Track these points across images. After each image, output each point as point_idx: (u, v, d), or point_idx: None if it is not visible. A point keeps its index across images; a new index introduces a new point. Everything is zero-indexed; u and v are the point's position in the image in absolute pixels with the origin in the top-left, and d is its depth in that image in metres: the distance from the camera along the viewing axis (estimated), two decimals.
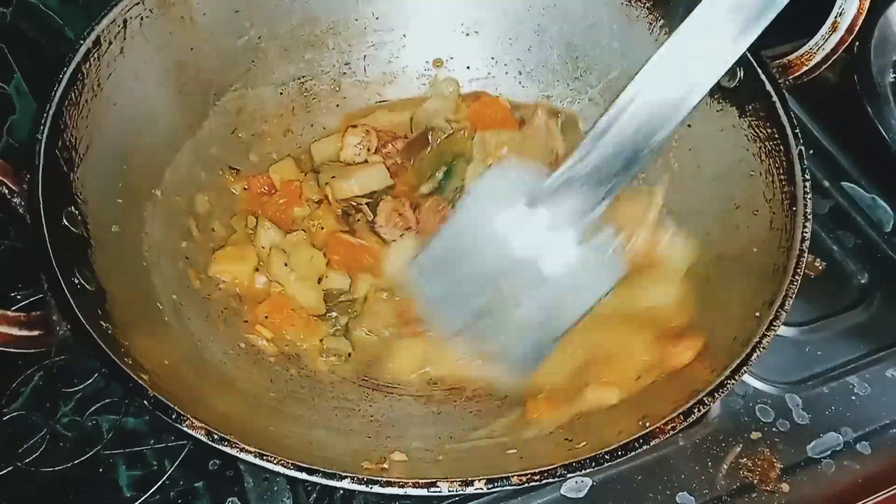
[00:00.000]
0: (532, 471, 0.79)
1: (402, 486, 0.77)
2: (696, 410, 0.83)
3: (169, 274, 1.09)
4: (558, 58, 1.33)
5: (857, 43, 1.37)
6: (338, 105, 1.35)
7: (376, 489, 0.77)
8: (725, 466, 1.11)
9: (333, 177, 1.23)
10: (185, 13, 1.13)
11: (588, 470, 0.79)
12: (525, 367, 1.08)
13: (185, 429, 0.77)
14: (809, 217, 0.97)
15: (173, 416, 0.78)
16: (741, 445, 1.13)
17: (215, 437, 0.77)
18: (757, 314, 0.92)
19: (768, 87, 1.06)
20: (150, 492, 1.07)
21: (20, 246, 1.28)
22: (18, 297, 1.21)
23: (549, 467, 0.79)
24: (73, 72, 0.97)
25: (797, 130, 1.02)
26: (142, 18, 1.07)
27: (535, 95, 1.36)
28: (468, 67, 1.37)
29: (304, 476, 0.77)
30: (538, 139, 1.26)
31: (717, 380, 0.85)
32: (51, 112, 0.94)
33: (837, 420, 1.16)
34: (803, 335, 1.25)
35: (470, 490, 0.77)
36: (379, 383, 1.12)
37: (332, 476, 0.77)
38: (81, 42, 1.00)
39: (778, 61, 1.10)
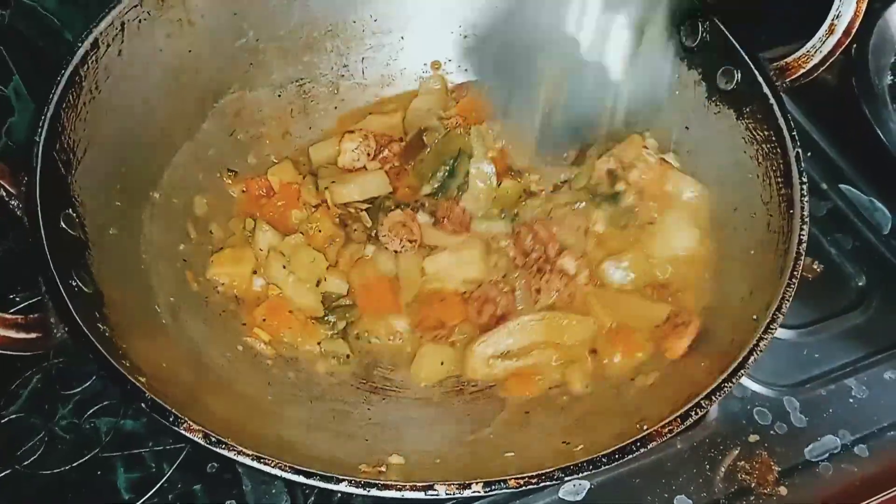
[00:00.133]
0: (529, 474, 0.79)
1: (400, 489, 0.77)
2: (693, 413, 0.83)
3: (167, 276, 1.09)
4: None
5: (854, 45, 1.37)
6: (336, 107, 1.35)
7: (373, 492, 0.77)
8: (723, 469, 1.11)
9: (333, 182, 1.23)
10: (183, 15, 1.13)
11: (585, 473, 0.79)
12: (553, 150, 1.22)
13: (183, 431, 0.77)
14: (807, 220, 0.97)
15: (170, 419, 0.78)
16: (739, 448, 1.13)
17: (213, 439, 0.77)
18: (754, 317, 0.92)
19: (765, 89, 1.06)
20: (149, 494, 1.07)
21: (19, 248, 1.28)
22: (17, 299, 1.22)
23: (547, 470, 0.79)
24: (70, 74, 0.98)
25: (794, 133, 1.03)
26: (140, 21, 1.07)
27: None
28: (466, 70, 1.38)
29: (301, 479, 0.77)
30: None
31: (715, 382, 0.86)
32: (48, 115, 0.94)
33: (835, 423, 1.16)
34: (801, 338, 1.25)
35: (467, 493, 0.77)
36: (377, 386, 1.12)
37: (329, 479, 0.77)
38: (79, 44, 1.00)
39: (775, 64, 1.10)
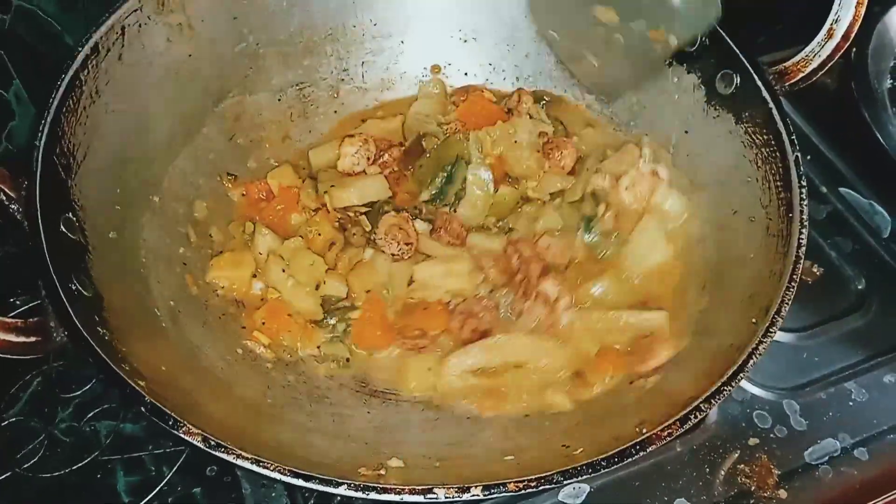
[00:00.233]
0: (529, 477, 0.79)
1: (399, 493, 0.77)
2: (692, 417, 0.83)
3: (167, 280, 1.09)
4: (556, 65, 1.34)
5: (854, 49, 1.37)
6: (336, 111, 1.35)
7: (373, 495, 0.77)
8: (723, 473, 1.11)
9: (333, 186, 1.23)
10: (184, 20, 1.13)
11: (584, 476, 0.79)
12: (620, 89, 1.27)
13: (182, 435, 0.77)
14: (806, 223, 0.97)
15: (170, 423, 0.78)
16: (739, 452, 1.13)
17: (212, 443, 0.77)
18: (754, 320, 0.93)
19: (765, 93, 1.07)
20: (149, 497, 1.07)
21: (19, 251, 1.28)
22: (17, 302, 1.22)
23: (546, 474, 0.79)
24: (71, 79, 0.98)
25: (793, 137, 1.03)
26: (140, 25, 1.07)
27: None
28: (466, 74, 1.38)
29: (300, 482, 0.77)
30: (528, 127, 1.27)
31: (714, 386, 0.86)
32: (49, 119, 0.94)
33: (835, 426, 1.16)
34: (801, 341, 1.25)
35: (467, 496, 0.77)
36: (377, 389, 1.12)
37: (328, 482, 0.77)
38: (80, 49, 1.00)
39: (774, 68, 1.10)
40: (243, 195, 1.24)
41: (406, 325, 1.14)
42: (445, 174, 1.23)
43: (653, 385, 1.02)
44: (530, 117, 1.30)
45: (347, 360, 1.14)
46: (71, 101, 0.98)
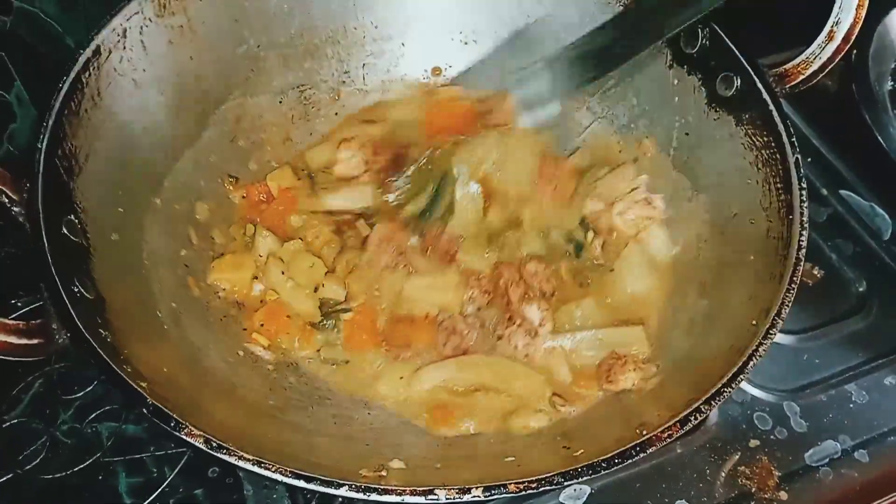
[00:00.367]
0: (529, 478, 0.79)
1: (400, 494, 0.77)
2: (693, 418, 0.84)
3: (168, 282, 1.09)
4: None
5: (854, 51, 1.37)
6: (336, 113, 1.35)
7: (374, 497, 0.77)
8: (724, 474, 1.11)
9: (324, 188, 1.24)
10: (185, 22, 1.13)
11: (585, 478, 0.80)
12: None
13: (184, 436, 0.77)
14: (806, 226, 0.97)
15: (172, 424, 0.78)
16: (739, 453, 1.13)
17: (214, 444, 0.77)
18: (754, 322, 0.93)
19: (765, 95, 1.06)
20: (150, 498, 1.07)
21: (20, 252, 1.28)
22: (19, 304, 1.21)
23: (547, 475, 0.79)
24: (72, 81, 0.98)
25: (794, 139, 1.03)
26: (141, 28, 1.08)
27: None
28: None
29: (302, 484, 0.77)
30: (524, 142, 1.26)
31: (714, 387, 0.86)
32: (50, 121, 0.94)
33: (835, 428, 1.16)
34: (801, 343, 1.25)
35: (467, 498, 0.77)
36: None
37: (330, 484, 0.77)
38: (81, 51, 1.00)
39: (775, 70, 1.10)
40: (244, 197, 1.24)
41: (393, 334, 1.13)
42: (432, 189, 1.21)
43: (653, 386, 1.02)
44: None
45: (347, 361, 1.13)
46: (73, 104, 0.98)
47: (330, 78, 1.34)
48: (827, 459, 1.13)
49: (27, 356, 0.83)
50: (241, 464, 0.77)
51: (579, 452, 0.90)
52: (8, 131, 1.27)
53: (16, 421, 1.13)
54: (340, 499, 1.01)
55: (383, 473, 0.89)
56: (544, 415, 1.04)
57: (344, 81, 1.35)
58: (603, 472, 0.80)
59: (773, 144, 1.05)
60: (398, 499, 0.77)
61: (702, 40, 1.14)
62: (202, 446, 0.77)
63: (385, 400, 1.09)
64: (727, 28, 1.11)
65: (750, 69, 1.09)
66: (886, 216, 1.39)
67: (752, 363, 0.87)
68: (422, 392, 1.08)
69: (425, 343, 1.12)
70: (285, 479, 0.77)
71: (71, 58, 1.00)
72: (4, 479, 1.08)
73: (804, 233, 0.96)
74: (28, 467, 1.09)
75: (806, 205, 0.98)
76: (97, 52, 1.02)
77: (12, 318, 0.84)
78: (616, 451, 0.81)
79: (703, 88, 1.16)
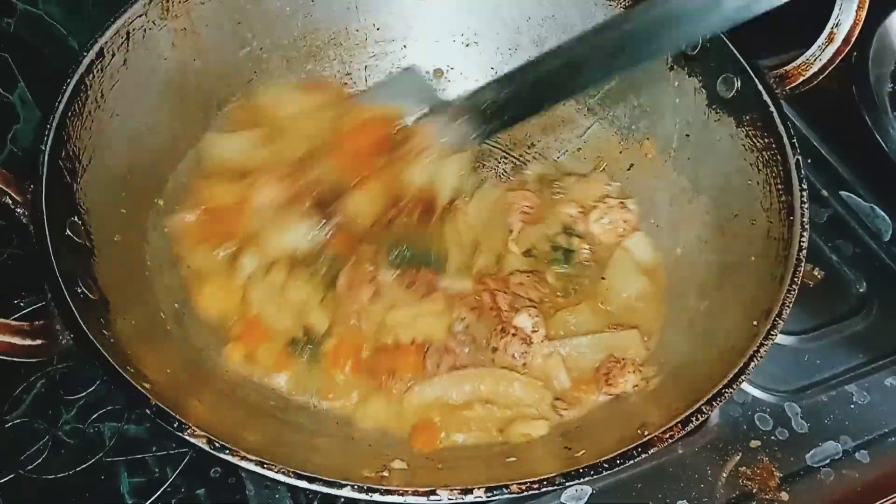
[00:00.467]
0: (531, 479, 0.79)
1: (402, 495, 0.78)
2: (694, 419, 0.84)
3: (171, 283, 1.09)
4: None
5: (854, 53, 1.37)
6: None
7: (376, 497, 0.77)
8: (725, 475, 1.11)
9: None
10: (188, 25, 1.14)
11: (587, 478, 0.80)
12: None
13: (187, 437, 0.78)
14: (807, 227, 0.97)
15: (175, 425, 0.78)
16: (740, 454, 1.13)
17: (217, 445, 0.77)
18: (755, 323, 0.93)
19: (765, 97, 1.07)
20: (152, 499, 1.07)
21: (23, 253, 1.28)
22: (21, 304, 1.21)
23: (549, 476, 0.80)
24: (76, 83, 0.98)
25: (794, 140, 1.03)
26: (144, 30, 1.08)
27: None
28: (468, 78, 1.38)
29: (304, 484, 0.77)
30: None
31: (716, 388, 0.86)
32: (54, 123, 0.94)
33: (836, 429, 1.16)
34: (802, 344, 1.25)
35: (469, 498, 0.78)
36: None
37: (332, 484, 0.77)
38: (85, 54, 1.00)
39: (775, 72, 1.10)
40: (189, 223, 1.12)
41: (377, 365, 1.07)
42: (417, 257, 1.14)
43: (655, 387, 1.02)
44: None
45: (329, 391, 1.08)
46: (76, 106, 0.98)
47: (332, 79, 1.34)
48: (828, 460, 1.13)
49: (31, 357, 0.83)
50: (243, 464, 0.77)
51: (581, 453, 0.91)
52: (11, 132, 1.28)
53: (18, 421, 1.13)
54: (342, 499, 1.01)
55: (385, 474, 0.90)
56: (545, 422, 1.02)
57: (346, 83, 1.35)
58: (604, 473, 0.80)
59: (773, 146, 1.05)
60: (400, 499, 0.77)
61: (702, 42, 1.14)
62: (205, 447, 0.77)
63: (369, 423, 1.05)
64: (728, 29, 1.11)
65: (750, 70, 1.09)
66: (886, 217, 1.40)
67: (752, 364, 0.87)
68: (412, 410, 1.04)
69: (412, 370, 1.07)
70: (288, 480, 0.77)
71: (74, 60, 1.00)
72: (6, 479, 1.07)
73: (805, 234, 0.97)
74: (30, 467, 1.09)
75: (807, 206, 0.99)
76: (100, 54, 1.02)
77: (15, 319, 0.84)
78: (618, 452, 0.81)
79: (703, 90, 1.16)
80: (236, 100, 1.25)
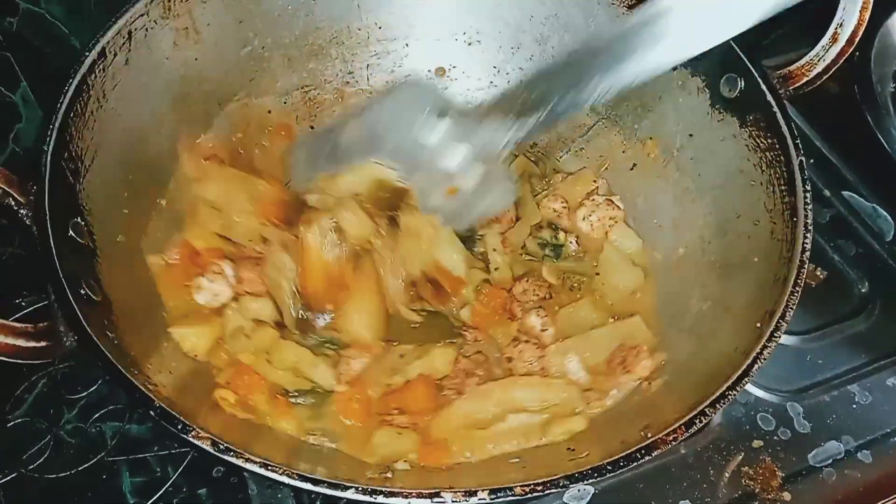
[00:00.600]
0: (535, 481, 0.79)
1: (406, 496, 0.77)
2: (698, 421, 0.84)
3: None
4: None
5: (857, 53, 1.37)
6: (340, 114, 1.35)
7: (380, 499, 0.77)
8: (727, 475, 1.11)
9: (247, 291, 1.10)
10: (189, 24, 1.13)
11: (590, 480, 0.80)
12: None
13: (191, 439, 0.77)
14: (810, 227, 0.97)
15: (179, 427, 0.78)
16: (743, 454, 1.13)
17: (221, 447, 0.77)
18: (758, 324, 0.93)
19: (769, 97, 1.06)
20: (154, 498, 1.07)
21: (25, 253, 1.28)
22: (23, 304, 1.21)
23: (552, 478, 0.79)
24: (78, 83, 0.98)
25: (798, 141, 1.03)
26: (146, 30, 1.07)
27: None
28: (470, 77, 1.38)
29: (308, 486, 0.77)
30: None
31: (720, 390, 0.86)
32: (57, 124, 0.94)
33: (838, 428, 1.16)
34: (804, 344, 1.25)
35: (473, 500, 0.77)
36: None
37: (336, 486, 0.77)
38: (87, 53, 1.00)
39: (779, 72, 1.10)
40: (169, 264, 1.10)
41: (387, 405, 1.05)
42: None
43: (658, 389, 1.02)
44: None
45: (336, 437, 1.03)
46: (79, 106, 0.97)
47: (334, 78, 1.34)
48: (830, 460, 1.13)
49: (35, 359, 0.83)
50: (248, 466, 0.77)
51: (584, 455, 0.91)
52: (14, 132, 1.28)
53: (20, 420, 1.13)
54: (345, 500, 1.01)
55: (389, 475, 0.90)
56: (581, 416, 1.02)
57: (348, 82, 1.35)
58: (608, 475, 0.80)
59: (776, 146, 1.05)
60: (404, 501, 0.77)
61: None
62: (209, 449, 0.77)
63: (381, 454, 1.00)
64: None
65: (753, 71, 1.09)
66: (889, 217, 1.40)
67: (756, 366, 0.87)
68: (442, 435, 1.02)
69: (422, 402, 1.04)
70: (292, 482, 0.77)
71: (76, 59, 0.99)
72: (8, 478, 1.08)
73: (808, 235, 0.96)
74: (32, 467, 1.09)
75: (810, 207, 0.99)
76: (103, 53, 1.02)
77: (17, 319, 0.85)
78: (621, 454, 0.81)
79: (706, 90, 1.16)
80: (238, 99, 1.25)
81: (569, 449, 0.95)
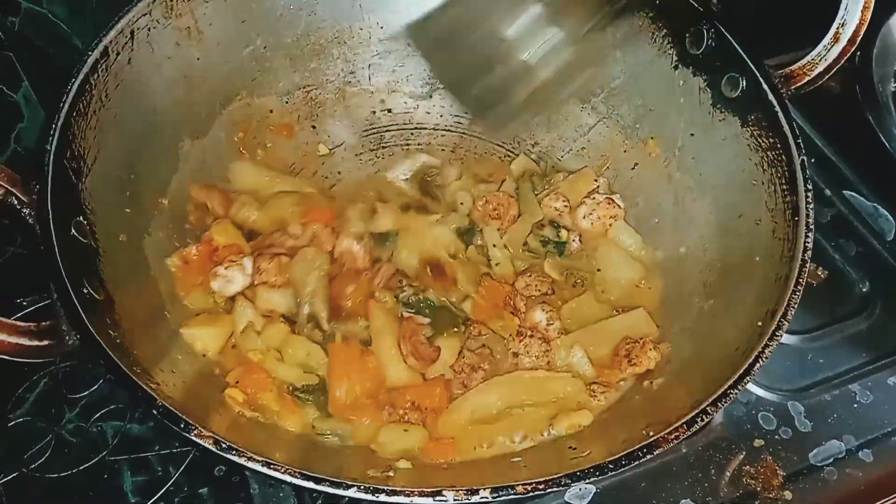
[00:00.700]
0: (537, 480, 0.79)
1: (408, 495, 0.77)
2: (700, 419, 0.84)
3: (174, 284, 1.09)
4: None
5: (858, 52, 1.37)
6: (342, 113, 1.35)
7: (382, 498, 0.77)
8: (728, 474, 1.11)
9: (265, 283, 1.12)
10: (192, 24, 1.14)
11: (592, 479, 0.80)
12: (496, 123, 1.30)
13: (194, 438, 0.77)
14: (812, 227, 0.97)
15: (182, 425, 0.78)
16: (744, 453, 1.13)
17: (223, 446, 0.77)
18: (759, 324, 0.93)
19: (770, 97, 1.06)
20: (155, 497, 1.07)
21: (26, 252, 1.28)
22: (24, 303, 1.21)
23: (555, 476, 0.80)
24: (81, 82, 0.98)
25: (799, 140, 1.03)
26: (149, 29, 1.08)
27: None
28: None
29: (311, 485, 0.77)
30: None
31: (721, 389, 0.86)
32: (59, 123, 0.94)
33: (839, 428, 1.16)
34: (805, 343, 1.25)
35: (475, 499, 0.77)
36: None
37: (338, 485, 0.77)
38: (89, 53, 1.00)
39: (780, 71, 1.10)
40: (186, 263, 1.11)
41: (396, 399, 1.05)
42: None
43: (660, 387, 1.03)
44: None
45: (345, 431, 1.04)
46: (81, 105, 0.97)
47: (336, 78, 1.34)
48: (831, 459, 1.13)
49: (37, 358, 0.83)
50: (250, 465, 0.77)
51: (586, 453, 0.91)
52: (15, 131, 1.28)
53: (21, 420, 1.13)
54: (346, 499, 1.01)
55: (391, 474, 0.90)
56: (587, 411, 1.03)
57: (350, 82, 1.35)
58: (610, 474, 0.80)
59: (778, 146, 1.05)
60: (406, 500, 0.77)
61: (707, 41, 1.14)
62: (212, 447, 0.77)
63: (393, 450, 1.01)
64: (732, 29, 1.11)
65: (755, 70, 1.09)
66: (890, 217, 1.40)
67: (758, 365, 0.87)
68: (449, 430, 1.02)
69: (438, 402, 1.05)
70: (295, 481, 0.77)
71: (78, 59, 1.00)
72: (9, 477, 1.08)
73: (810, 234, 0.97)
74: (33, 466, 1.09)
75: (812, 206, 0.99)
76: (105, 53, 1.02)
77: (19, 318, 0.84)
78: (623, 453, 0.81)
79: (708, 89, 1.16)
80: (240, 98, 1.25)
81: (570, 448, 0.95)
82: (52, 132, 0.93)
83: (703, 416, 0.84)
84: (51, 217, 0.87)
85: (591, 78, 1.26)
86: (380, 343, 1.08)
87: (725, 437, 1.14)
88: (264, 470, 0.77)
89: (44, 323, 0.84)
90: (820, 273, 1.33)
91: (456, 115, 1.38)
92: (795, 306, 0.91)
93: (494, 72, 1.21)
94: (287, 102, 1.31)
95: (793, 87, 1.10)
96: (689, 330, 1.08)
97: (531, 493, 0.79)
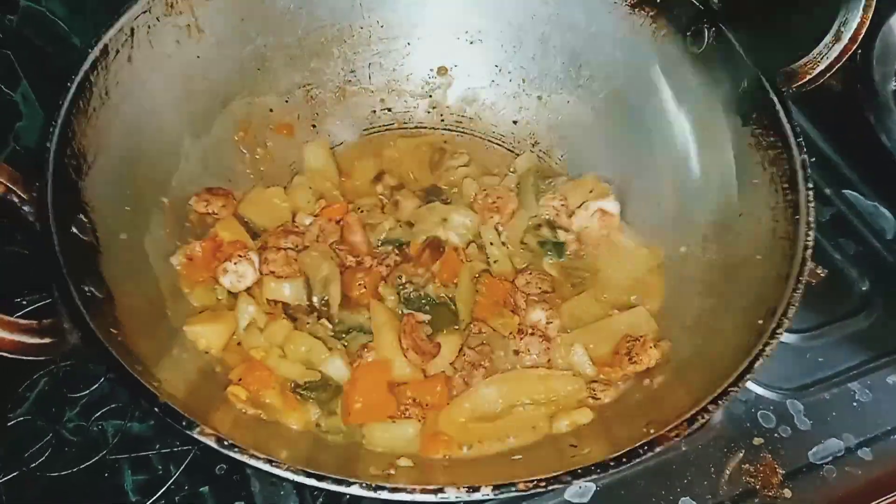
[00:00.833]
0: (538, 477, 0.79)
1: (410, 492, 0.78)
2: (700, 417, 0.84)
3: (176, 283, 1.09)
4: (562, 66, 1.33)
5: (859, 51, 1.37)
6: (342, 113, 1.36)
7: (384, 495, 0.78)
8: (728, 472, 1.11)
9: (272, 272, 1.13)
10: (192, 22, 1.13)
11: (593, 476, 0.80)
12: None
13: (196, 435, 0.78)
14: (812, 226, 0.97)
15: (183, 423, 0.78)
16: (744, 451, 1.13)
17: (226, 443, 0.78)
18: (760, 322, 0.93)
19: (772, 96, 1.07)
20: (156, 496, 1.08)
21: (26, 251, 1.28)
22: (24, 302, 1.21)
23: (555, 474, 0.80)
24: (81, 80, 0.98)
25: (800, 140, 1.03)
26: (149, 27, 1.08)
27: (538, 103, 1.37)
28: (471, 75, 1.38)
29: (313, 482, 0.77)
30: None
31: (721, 387, 0.86)
32: (59, 121, 0.94)
33: (839, 426, 1.16)
34: (805, 342, 1.25)
35: (476, 496, 0.78)
36: None
37: (341, 482, 0.77)
38: (89, 51, 1.00)
39: (782, 70, 1.10)
40: (190, 259, 1.11)
41: (404, 394, 1.05)
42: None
43: (660, 386, 1.03)
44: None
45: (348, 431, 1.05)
46: (81, 103, 0.97)
47: (336, 77, 1.34)
48: (830, 457, 1.13)
49: (39, 356, 0.83)
50: (252, 462, 0.77)
51: (586, 451, 0.91)
52: (14, 130, 1.27)
53: (21, 419, 1.13)
54: (347, 496, 1.01)
55: (392, 472, 0.90)
56: (588, 409, 1.03)
57: (350, 81, 1.35)
58: (610, 471, 0.80)
59: (779, 144, 1.05)
60: (408, 497, 0.77)
61: (708, 40, 1.14)
62: (214, 445, 0.77)
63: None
64: (733, 28, 1.12)
65: (756, 69, 1.09)
66: (889, 216, 1.40)
67: (758, 363, 0.87)
68: (449, 428, 1.03)
69: (439, 399, 1.05)
70: (297, 478, 0.77)
71: (77, 58, 0.99)
72: (10, 476, 1.08)
73: (811, 233, 0.97)
74: (34, 465, 1.09)
75: (813, 205, 0.99)
76: (105, 51, 1.02)
77: (20, 317, 0.84)
78: (624, 450, 0.81)
79: (708, 88, 1.16)
80: (240, 97, 1.25)
81: (571, 445, 0.96)
82: (52, 130, 0.93)
83: (704, 414, 0.84)
84: (51, 215, 0.88)
85: None
86: (381, 338, 1.08)
87: (725, 436, 1.15)
88: (267, 467, 0.77)
89: (45, 320, 0.84)
90: (820, 272, 1.33)
91: (456, 115, 1.38)
92: (796, 305, 0.91)
93: None
94: (287, 101, 1.31)
95: (794, 85, 1.09)
96: (689, 328, 1.08)
97: (532, 491, 0.79)
